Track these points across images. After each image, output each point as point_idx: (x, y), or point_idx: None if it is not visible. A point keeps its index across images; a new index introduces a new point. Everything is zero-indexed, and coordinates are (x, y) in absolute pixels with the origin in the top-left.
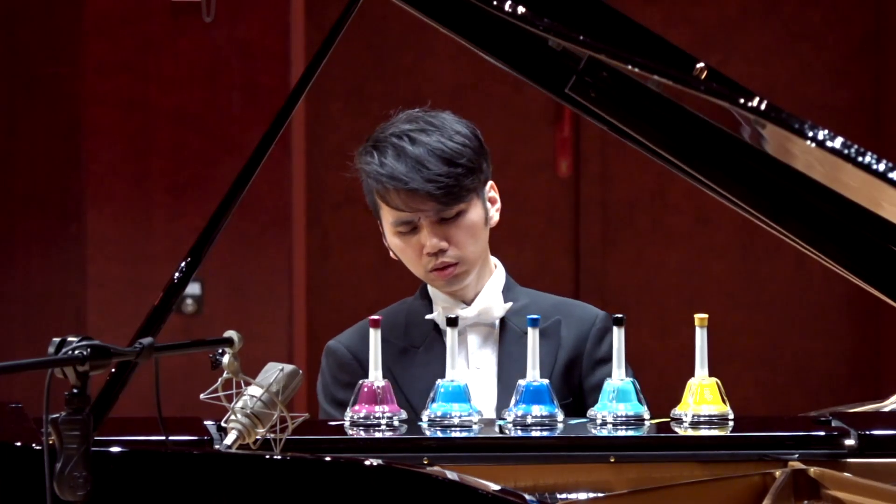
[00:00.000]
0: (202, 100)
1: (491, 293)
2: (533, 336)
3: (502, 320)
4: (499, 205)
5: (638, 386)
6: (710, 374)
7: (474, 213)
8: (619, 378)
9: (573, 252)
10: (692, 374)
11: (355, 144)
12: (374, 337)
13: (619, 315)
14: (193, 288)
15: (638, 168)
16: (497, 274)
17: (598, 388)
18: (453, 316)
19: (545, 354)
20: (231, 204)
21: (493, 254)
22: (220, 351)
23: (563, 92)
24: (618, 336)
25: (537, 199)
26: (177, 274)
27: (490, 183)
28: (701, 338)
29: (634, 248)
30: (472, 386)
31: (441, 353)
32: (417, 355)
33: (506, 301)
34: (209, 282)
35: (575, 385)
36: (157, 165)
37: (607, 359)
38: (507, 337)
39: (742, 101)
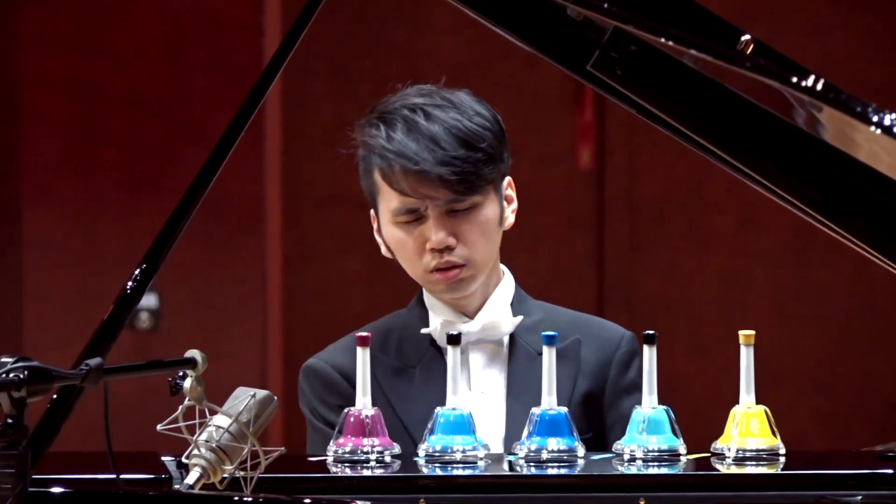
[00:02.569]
0: (160, 79)
1: (498, 305)
2: (549, 356)
3: (511, 337)
4: (515, 205)
5: (672, 415)
6: (758, 401)
7: (490, 210)
8: (649, 406)
9: (596, 258)
10: (736, 401)
11: (340, 132)
12: (363, 357)
13: (650, 332)
14: (149, 300)
15: (672, 159)
16: (506, 283)
17: (621, 422)
18: (455, 332)
19: (561, 380)
20: (194, 201)
21: (501, 259)
22: (181, 374)
23: (584, 69)
24: (648, 356)
25: (554, 196)
26: (130, 283)
27: (508, 179)
28: (746, 358)
29: (667, 254)
30: (475, 413)
31: (441, 373)
32: (415, 376)
33: (515, 315)
34: (168, 293)
35: (595, 418)
36: (106, 156)
37: (634, 388)
38: (517, 357)
39: (795, 79)
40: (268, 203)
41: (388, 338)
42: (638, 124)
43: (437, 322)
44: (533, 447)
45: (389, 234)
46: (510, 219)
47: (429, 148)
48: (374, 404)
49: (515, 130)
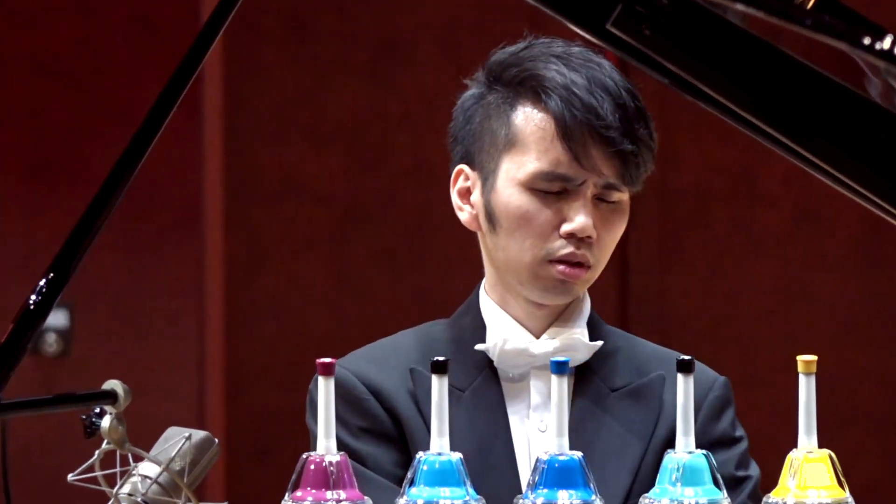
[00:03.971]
0: (71, 41)
1: (576, 325)
2: (559, 388)
3: (581, 367)
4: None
5: (713, 461)
6: (821, 444)
7: (627, 213)
8: (685, 450)
9: (618, 265)
10: (794, 444)
11: (297, 108)
12: (325, 389)
13: (686, 357)
14: (58, 318)
15: (714, 142)
16: (582, 300)
17: None
18: (441, 359)
19: (639, 424)
20: (114, 194)
21: None
22: (98, 410)
23: (603, 28)
24: (684, 388)
25: None
26: (33, 297)
27: None
28: (807, 390)
29: (708, 258)
30: (533, 452)
31: (496, 401)
32: (463, 401)
33: (591, 339)
34: (81, 309)
35: None
36: (4, 138)
37: (725, 441)
38: (585, 391)
39: (867, 40)
40: (207, 196)
41: (432, 349)
42: (670, 98)
43: (499, 337)
44: (539, 501)
45: (511, 200)
46: None
47: (616, 113)
48: (409, 431)
49: None
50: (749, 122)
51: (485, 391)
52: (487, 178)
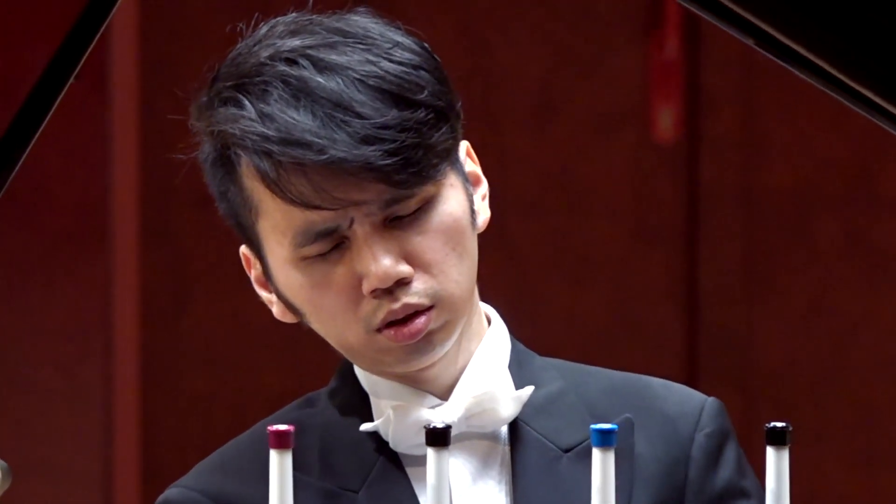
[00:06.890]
0: None
1: (488, 372)
2: (602, 464)
3: (514, 426)
4: (485, 187)
5: None
6: None
7: (454, 202)
8: None
9: (685, 295)
10: None
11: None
12: (279, 466)
13: (779, 424)
14: None
15: (820, 126)
16: (495, 334)
17: None
18: (440, 426)
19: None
20: None
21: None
22: None
23: None
24: (775, 466)
25: (612, 187)
26: None
27: (465, 145)
28: None
29: (811, 288)
30: None
31: (404, 496)
32: None
33: (519, 385)
34: None
35: None
36: None
37: (735, 494)
38: (525, 458)
39: None
40: (116, 201)
41: (302, 443)
42: (759, 66)
43: (387, 409)
44: None
45: (291, 283)
46: (484, 213)
47: (335, 119)
48: None
49: (550, 73)
50: (868, 98)
51: (384, 485)
52: (260, 258)
